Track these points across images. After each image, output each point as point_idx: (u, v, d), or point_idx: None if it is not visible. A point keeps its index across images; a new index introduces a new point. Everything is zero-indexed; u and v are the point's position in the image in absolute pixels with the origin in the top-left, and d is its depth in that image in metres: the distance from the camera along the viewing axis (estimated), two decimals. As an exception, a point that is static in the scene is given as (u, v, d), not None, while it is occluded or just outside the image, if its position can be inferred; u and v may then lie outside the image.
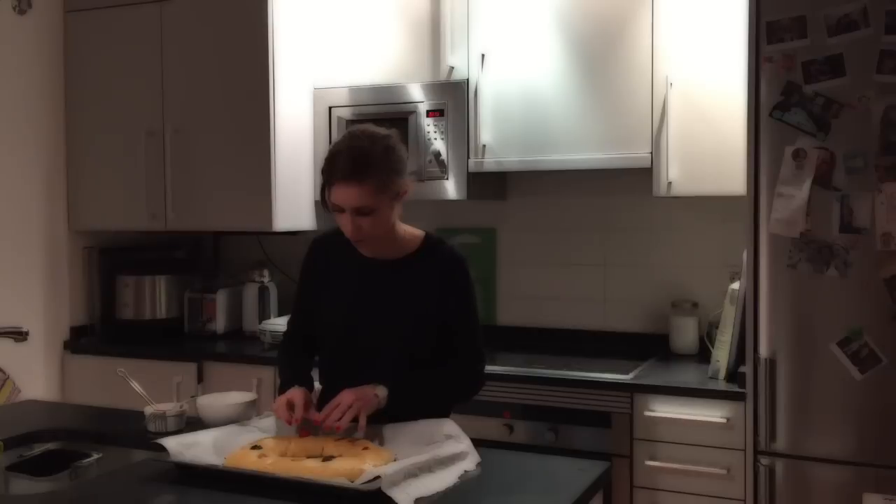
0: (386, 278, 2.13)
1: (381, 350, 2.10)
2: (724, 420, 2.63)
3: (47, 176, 3.60)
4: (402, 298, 2.12)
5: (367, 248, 2.10)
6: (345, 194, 1.98)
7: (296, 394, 2.04)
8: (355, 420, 1.95)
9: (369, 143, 2.01)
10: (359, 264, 2.14)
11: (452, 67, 3.24)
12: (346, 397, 1.97)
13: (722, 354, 2.77)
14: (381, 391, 2.00)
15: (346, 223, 2.02)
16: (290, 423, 1.99)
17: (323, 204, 2.06)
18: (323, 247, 2.23)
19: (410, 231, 2.17)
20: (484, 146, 3.20)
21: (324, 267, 2.21)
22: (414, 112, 3.27)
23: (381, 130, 2.07)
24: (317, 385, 2.21)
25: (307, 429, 1.99)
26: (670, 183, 2.95)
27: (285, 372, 2.21)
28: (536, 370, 2.94)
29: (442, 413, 2.11)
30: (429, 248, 2.16)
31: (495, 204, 3.56)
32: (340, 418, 1.94)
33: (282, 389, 2.14)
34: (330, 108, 3.42)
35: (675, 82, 2.92)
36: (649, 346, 3.26)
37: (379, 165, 1.99)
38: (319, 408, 2.02)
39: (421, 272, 2.12)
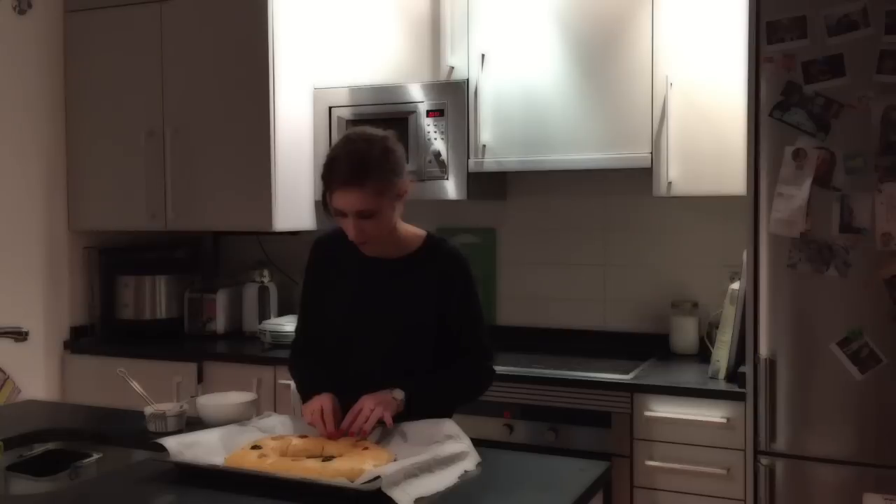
0: (387, 278, 2.13)
1: (380, 349, 2.10)
2: (724, 420, 2.63)
3: (47, 176, 3.60)
4: (402, 297, 2.11)
5: (371, 248, 2.10)
6: (346, 199, 1.98)
7: (325, 400, 2.02)
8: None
9: (367, 145, 2.01)
10: (360, 264, 2.14)
11: (452, 67, 3.24)
12: (367, 402, 1.97)
13: (722, 354, 2.77)
14: (399, 394, 2.01)
15: (349, 227, 2.02)
16: (328, 435, 1.96)
17: (325, 208, 2.06)
18: (324, 247, 2.23)
19: (412, 230, 2.17)
20: (484, 146, 3.19)
21: (326, 267, 2.21)
22: (414, 112, 3.27)
23: (378, 132, 2.07)
24: None
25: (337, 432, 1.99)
26: (670, 183, 2.95)
27: (304, 379, 2.20)
28: (536, 370, 2.94)
29: (450, 412, 2.13)
30: (430, 247, 2.16)
31: (495, 204, 3.56)
32: (366, 422, 1.94)
33: (304, 397, 2.13)
34: (330, 108, 3.41)
35: (675, 82, 2.92)
36: (649, 346, 3.26)
37: (378, 168, 1.99)
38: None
39: (422, 271, 2.12)
